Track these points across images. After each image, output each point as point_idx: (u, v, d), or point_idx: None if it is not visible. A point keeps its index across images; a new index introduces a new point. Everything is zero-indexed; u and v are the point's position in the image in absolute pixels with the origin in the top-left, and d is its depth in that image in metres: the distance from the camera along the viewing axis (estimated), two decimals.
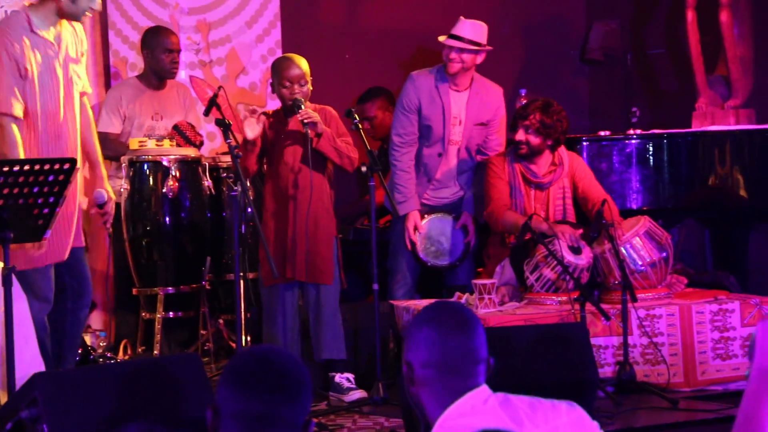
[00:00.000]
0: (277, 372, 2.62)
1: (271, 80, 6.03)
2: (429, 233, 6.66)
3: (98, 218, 5.51)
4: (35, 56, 5.21)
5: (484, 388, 2.88)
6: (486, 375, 2.90)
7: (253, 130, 5.80)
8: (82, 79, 5.49)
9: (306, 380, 2.64)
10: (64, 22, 5.34)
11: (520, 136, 6.40)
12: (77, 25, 5.45)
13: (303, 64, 5.94)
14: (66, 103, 5.33)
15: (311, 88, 5.93)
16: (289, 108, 5.90)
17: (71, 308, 5.46)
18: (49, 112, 5.25)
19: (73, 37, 5.44)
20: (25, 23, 5.23)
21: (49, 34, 5.29)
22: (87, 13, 5.30)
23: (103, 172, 5.59)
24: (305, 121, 5.78)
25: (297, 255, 5.89)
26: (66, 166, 4.63)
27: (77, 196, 5.46)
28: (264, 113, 6.03)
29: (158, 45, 7.07)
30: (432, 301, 6.02)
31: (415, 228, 6.58)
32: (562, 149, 6.51)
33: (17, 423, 3.89)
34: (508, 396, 2.90)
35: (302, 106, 5.82)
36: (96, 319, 7.08)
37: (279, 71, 5.94)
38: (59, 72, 5.30)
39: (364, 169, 5.80)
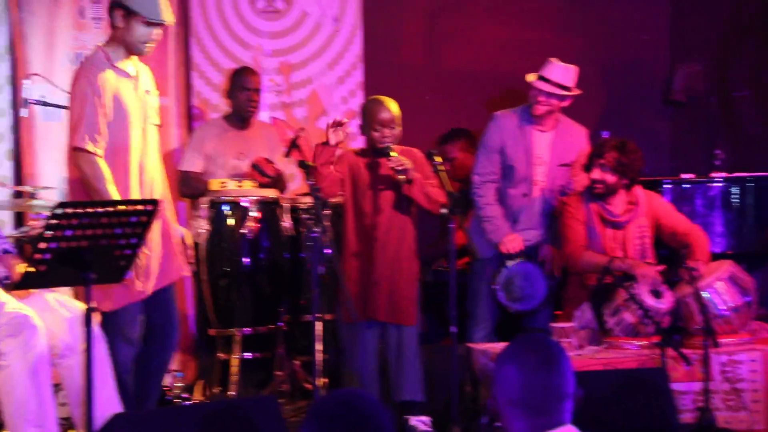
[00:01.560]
0: (359, 416, 2.63)
1: (360, 123, 6.02)
2: (511, 277, 6.60)
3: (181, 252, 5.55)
4: (120, 87, 5.26)
5: (569, 428, 2.85)
6: (574, 409, 2.88)
7: (337, 136, 5.80)
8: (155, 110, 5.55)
9: (388, 424, 2.65)
10: (134, 58, 5.39)
11: (596, 174, 6.34)
12: (144, 66, 5.50)
13: (394, 107, 5.94)
14: (146, 134, 5.38)
15: (401, 131, 5.91)
16: (380, 151, 5.89)
17: (157, 350, 5.48)
18: (132, 144, 5.29)
19: (145, 74, 5.49)
20: (104, 59, 5.29)
21: (126, 65, 5.34)
22: (149, 44, 5.32)
23: (172, 211, 5.61)
24: (398, 168, 5.77)
25: (380, 295, 5.88)
26: (149, 207, 4.64)
27: (173, 227, 5.50)
28: (352, 151, 6.04)
29: (237, 84, 7.12)
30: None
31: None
32: (638, 188, 6.44)
33: None
34: None
35: (392, 153, 5.82)
36: (173, 360, 7.08)
37: (370, 114, 5.94)
38: (139, 103, 5.36)
39: (444, 210, 5.76)
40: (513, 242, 6.52)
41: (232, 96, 7.16)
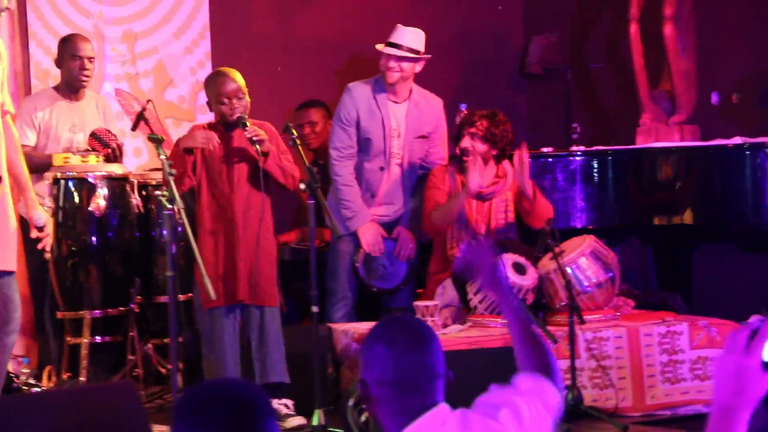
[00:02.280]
0: (234, 401, 2.41)
1: (207, 99, 5.79)
2: (370, 255, 6.48)
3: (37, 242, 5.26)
4: None
5: (442, 407, 2.75)
6: (445, 390, 2.78)
7: (204, 139, 5.59)
8: (4, 99, 5.22)
9: (266, 406, 2.44)
10: None
11: (466, 143, 6.30)
12: None
13: (237, 77, 5.75)
14: None
15: (249, 101, 5.72)
16: (231, 124, 5.69)
17: None
18: None
19: None
20: None
21: None
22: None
23: (33, 195, 5.37)
24: (254, 138, 5.58)
25: (240, 276, 5.68)
26: None
27: (10, 216, 5.20)
28: (204, 126, 5.82)
29: (67, 52, 6.75)
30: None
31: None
32: (506, 163, 6.39)
33: None
34: (467, 414, 2.76)
35: (248, 123, 5.62)
36: (17, 345, 6.76)
37: (214, 87, 5.74)
38: None
39: (303, 186, 5.57)
40: (373, 244, 6.46)
41: (62, 65, 6.79)
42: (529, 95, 8.72)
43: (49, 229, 5.32)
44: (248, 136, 5.61)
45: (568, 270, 5.88)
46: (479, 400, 2.83)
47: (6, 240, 5.18)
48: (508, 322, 3.08)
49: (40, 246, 5.30)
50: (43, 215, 5.30)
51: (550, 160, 6.90)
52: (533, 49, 8.30)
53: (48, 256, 5.44)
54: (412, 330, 2.82)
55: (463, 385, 4.57)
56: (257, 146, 5.59)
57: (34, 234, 5.28)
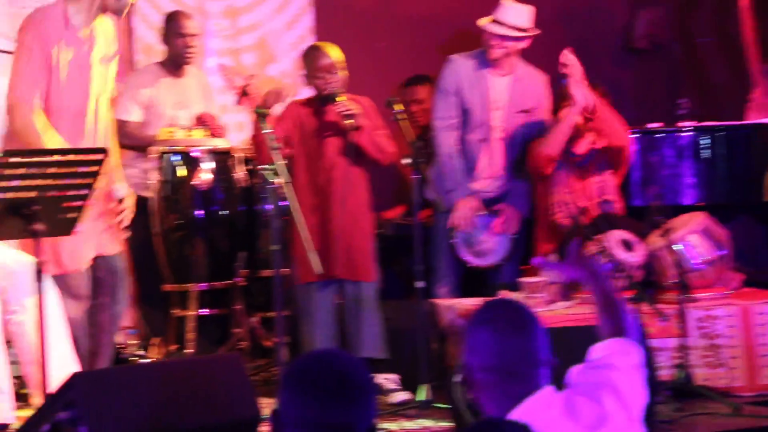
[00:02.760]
0: (339, 376, 2.49)
1: (303, 73, 5.78)
2: (470, 230, 6.41)
3: (114, 214, 5.25)
4: (67, 53, 4.96)
5: (547, 390, 2.75)
6: (550, 377, 2.78)
7: (275, 101, 5.70)
8: (110, 83, 5.25)
9: (369, 385, 2.53)
10: (99, 20, 5.08)
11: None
12: (109, 26, 5.20)
13: (332, 51, 5.73)
14: (95, 104, 5.11)
15: (346, 75, 5.68)
16: (326, 98, 5.66)
17: (108, 303, 5.23)
18: (75, 112, 5.03)
19: (105, 38, 5.19)
20: (61, 17, 4.99)
21: (85, 31, 5.05)
22: (128, 5, 5.06)
23: (119, 171, 5.37)
24: (345, 113, 5.54)
25: (336, 251, 5.67)
26: (99, 156, 4.44)
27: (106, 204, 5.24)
28: (297, 102, 5.81)
29: (171, 30, 6.78)
30: (482, 299, 5.86)
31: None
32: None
33: (54, 425, 3.74)
34: (572, 396, 2.76)
35: (338, 98, 5.60)
36: (125, 316, 6.83)
37: (310, 62, 5.75)
38: (91, 72, 5.07)
39: (407, 161, 5.52)
40: (461, 218, 6.35)
41: (167, 42, 6.82)
42: (635, 71, 8.55)
43: (129, 203, 5.27)
44: (338, 110, 5.58)
45: (678, 247, 5.77)
46: (574, 378, 2.82)
47: (107, 227, 5.19)
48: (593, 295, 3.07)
49: (116, 220, 5.25)
50: (124, 188, 5.28)
51: (659, 135, 6.79)
52: (639, 24, 8.17)
53: (126, 234, 5.40)
54: (516, 315, 2.81)
55: (571, 362, 4.55)
56: (348, 121, 5.55)
57: (112, 205, 5.24)
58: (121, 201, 5.25)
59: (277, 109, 5.94)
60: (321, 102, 5.75)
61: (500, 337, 2.74)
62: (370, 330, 5.72)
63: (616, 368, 2.80)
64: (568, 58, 6.22)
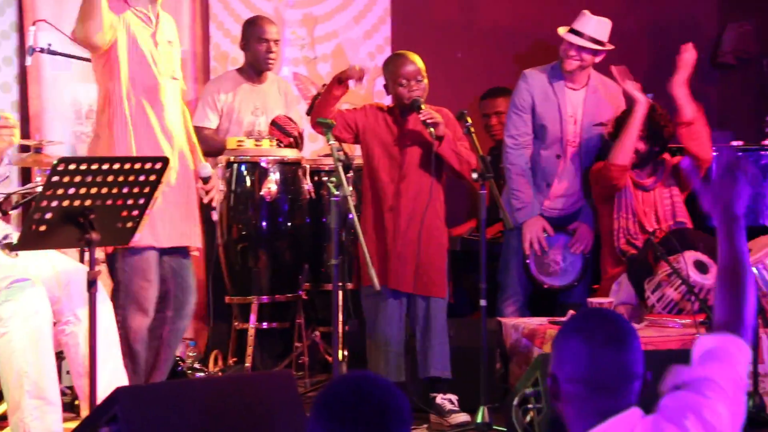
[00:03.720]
0: (373, 404, 2.40)
1: (384, 82, 5.68)
2: (544, 250, 6.27)
3: (201, 194, 5.27)
4: (138, 33, 5.02)
5: (634, 411, 2.60)
6: (641, 393, 2.65)
7: (355, 75, 5.50)
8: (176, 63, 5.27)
9: (405, 412, 2.42)
10: (158, 4, 5.13)
11: None
12: (169, 17, 5.24)
13: (418, 60, 5.63)
14: (166, 88, 5.13)
15: (427, 84, 5.58)
16: (407, 107, 5.55)
17: (172, 318, 5.22)
18: (152, 88, 5.07)
19: (168, 23, 5.23)
20: (123, 1, 5.04)
21: (147, 11, 5.10)
22: None
23: (200, 154, 5.38)
24: (428, 121, 5.42)
25: (407, 265, 5.54)
26: (158, 165, 4.36)
27: (194, 194, 5.24)
28: (377, 105, 5.71)
29: (253, 35, 6.75)
30: (550, 319, 5.74)
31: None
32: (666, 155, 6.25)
33: None
34: (659, 422, 2.60)
35: (422, 106, 5.47)
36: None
37: (393, 69, 5.62)
38: (159, 53, 5.10)
39: (475, 175, 5.38)
40: (533, 241, 6.23)
41: (248, 47, 6.79)
42: (720, 86, 8.38)
43: (215, 182, 5.29)
44: (422, 118, 5.46)
45: (755, 270, 5.58)
46: (665, 401, 2.65)
47: (191, 215, 5.20)
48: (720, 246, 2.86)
49: (206, 200, 5.26)
50: (208, 167, 5.29)
51: (741, 154, 6.57)
52: (727, 38, 7.99)
53: (215, 215, 5.40)
54: (613, 325, 2.67)
55: (641, 388, 4.39)
56: (431, 129, 5.44)
57: (199, 185, 5.25)
58: (206, 181, 5.24)
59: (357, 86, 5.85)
60: (403, 110, 5.63)
61: (594, 348, 2.62)
62: (439, 349, 5.59)
63: (713, 387, 2.65)
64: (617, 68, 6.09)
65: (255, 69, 6.79)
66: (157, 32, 5.12)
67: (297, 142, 6.52)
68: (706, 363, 2.70)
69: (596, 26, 6.25)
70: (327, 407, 2.41)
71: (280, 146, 6.38)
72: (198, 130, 6.43)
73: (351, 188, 5.17)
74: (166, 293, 5.16)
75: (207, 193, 5.27)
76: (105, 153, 4.97)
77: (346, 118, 5.59)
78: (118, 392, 3.82)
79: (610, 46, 6.28)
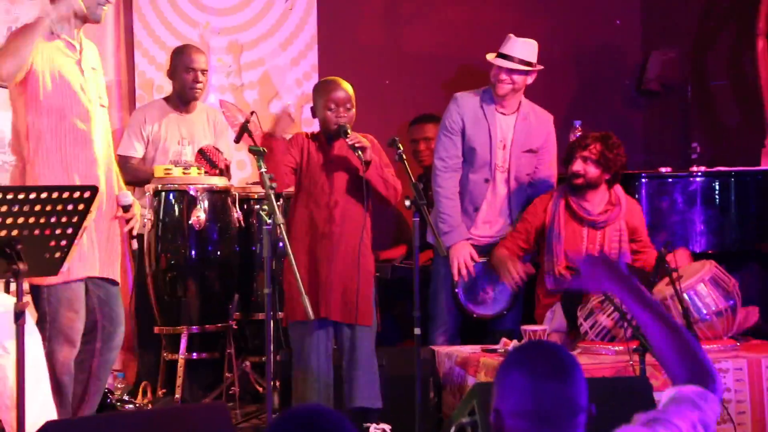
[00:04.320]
0: None
1: (312, 104, 5.63)
2: (473, 279, 6.25)
3: (122, 223, 5.15)
4: (62, 62, 4.93)
5: None
6: (586, 426, 2.60)
7: (288, 126, 5.43)
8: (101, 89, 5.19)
9: None
10: (79, 33, 5.02)
11: (578, 166, 6.06)
12: (91, 44, 5.13)
13: (348, 87, 5.58)
14: (93, 115, 5.04)
15: (355, 114, 5.54)
16: (333, 133, 5.50)
17: (100, 349, 5.12)
18: (77, 115, 4.97)
19: (90, 50, 5.15)
20: (47, 27, 4.95)
21: (71, 38, 5.02)
22: (105, 6, 4.97)
23: (122, 182, 5.30)
24: (356, 145, 5.37)
25: (332, 292, 5.46)
26: (87, 194, 4.26)
27: (116, 228, 5.14)
28: (304, 134, 5.65)
29: (180, 63, 6.67)
30: (482, 347, 5.72)
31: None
32: (619, 189, 6.15)
33: None
34: None
35: (349, 131, 5.42)
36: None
37: (324, 93, 5.56)
38: (84, 80, 5.01)
39: (408, 203, 5.34)
40: (461, 266, 6.19)
41: (174, 76, 6.71)
42: (646, 113, 8.46)
43: (136, 210, 5.20)
44: (350, 143, 5.40)
45: (686, 297, 5.59)
46: None
47: (112, 248, 5.11)
48: (644, 323, 2.83)
49: (126, 228, 5.18)
50: (129, 195, 5.20)
51: (669, 180, 6.63)
52: (652, 65, 8.05)
53: (134, 244, 5.31)
54: (555, 357, 2.64)
55: None
56: (359, 153, 5.39)
57: (119, 213, 5.16)
58: (127, 209, 5.15)
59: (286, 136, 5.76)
60: (329, 136, 5.57)
61: (537, 381, 2.58)
62: (366, 378, 5.51)
63: (669, 426, 2.62)
64: None
65: (182, 98, 6.71)
66: (82, 60, 5.05)
67: (222, 174, 6.44)
68: (668, 406, 2.68)
69: (524, 48, 6.27)
70: None
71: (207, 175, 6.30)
72: (124, 159, 6.37)
73: (282, 217, 5.10)
74: (94, 324, 5.07)
75: (127, 222, 5.18)
76: (30, 182, 4.86)
77: (292, 154, 5.53)
78: (48, 426, 3.73)
79: (539, 67, 6.29)
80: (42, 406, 4.55)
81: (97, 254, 5.01)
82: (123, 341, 6.51)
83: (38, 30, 4.88)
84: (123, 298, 6.59)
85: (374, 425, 5.47)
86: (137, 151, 6.63)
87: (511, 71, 6.23)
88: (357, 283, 5.50)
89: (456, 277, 6.21)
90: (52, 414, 4.59)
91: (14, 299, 4.25)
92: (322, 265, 5.50)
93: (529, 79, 6.30)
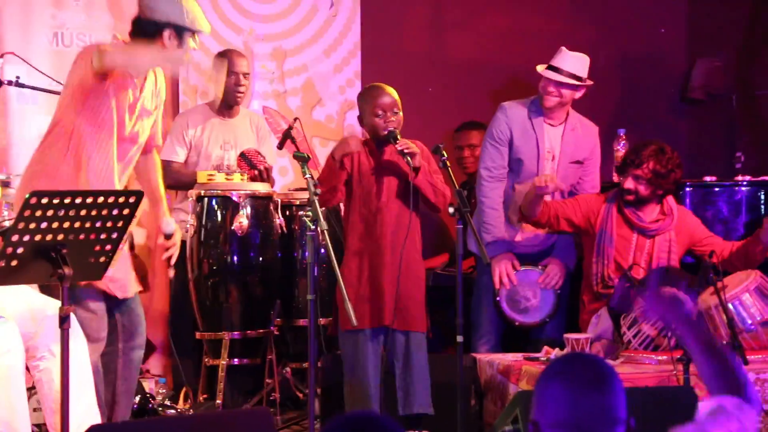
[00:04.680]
0: None
1: (359, 113, 5.61)
2: (515, 287, 6.23)
3: (163, 250, 5.17)
4: (120, 94, 4.89)
5: None
6: None
7: (357, 144, 5.41)
8: (147, 133, 5.16)
9: None
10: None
11: (629, 184, 6.02)
12: (160, 73, 5.11)
13: (393, 92, 5.57)
14: (121, 150, 5.00)
15: (402, 117, 5.53)
16: (382, 139, 5.49)
17: (123, 349, 5.10)
18: (100, 160, 4.93)
19: (153, 88, 5.10)
20: None
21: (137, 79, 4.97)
22: (187, 56, 5.00)
23: (165, 208, 5.29)
24: (405, 151, 5.36)
25: (386, 299, 5.44)
26: (132, 199, 4.26)
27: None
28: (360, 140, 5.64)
29: (223, 67, 6.68)
30: (525, 355, 5.69)
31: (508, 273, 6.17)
32: (671, 199, 6.13)
33: None
34: None
35: (399, 137, 5.40)
36: (155, 364, 6.72)
37: (370, 99, 5.53)
38: (127, 125, 4.97)
39: (452, 210, 5.32)
40: (501, 277, 6.22)
41: (217, 81, 6.71)
42: (690, 121, 8.41)
43: (177, 239, 5.20)
44: (399, 148, 5.38)
45: (731, 306, 5.55)
46: None
47: (124, 269, 5.07)
48: (692, 353, 2.86)
49: (164, 256, 5.18)
50: (172, 224, 5.20)
51: (715, 189, 6.58)
52: (697, 74, 8.00)
53: (171, 272, 5.31)
54: (594, 368, 2.63)
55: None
56: (408, 159, 5.37)
57: (160, 240, 5.18)
58: (169, 237, 5.16)
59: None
60: (378, 142, 5.55)
61: (576, 392, 2.58)
62: (421, 385, 5.48)
63: None
64: None
65: (225, 102, 6.72)
66: (136, 104, 5.00)
67: (262, 176, 6.44)
68: (705, 418, 2.66)
69: (574, 62, 6.23)
70: None
71: (250, 180, 6.31)
72: (166, 163, 6.38)
73: (325, 223, 5.08)
74: (114, 326, 5.05)
75: (167, 249, 5.18)
76: (44, 185, 4.81)
77: (344, 166, 5.53)
78: (92, 430, 3.74)
79: (589, 82, 6.26)
80: (86, 411, 4.57)
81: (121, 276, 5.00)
82: (165, 347, 6.58)
83: (163, 57, 4.89)
84: (162, 303, 6.68)
85: None
86: (179, 155, 6.65)
87: (559, 84, 6.20)
88: (408, 289, 5.49)
89: (498, 287, 6.20)
90: (96, 419, 4.61)
91: (59, 303, 4.27)
92: (373, 271, 5.49)
93: (578, 94, 6.27)
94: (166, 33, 4.89)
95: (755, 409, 2.71)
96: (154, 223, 5.25)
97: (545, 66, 6.25)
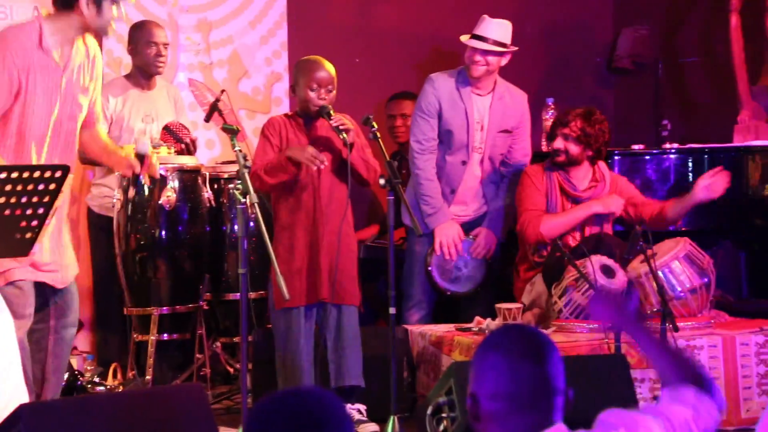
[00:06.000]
0: (317, 420, 2.29)
1: (292, 83, 5.55)
2: (444, 257, 6.23)
3: (151, 168, 5.00)
4: (35, 77, 4.73)
5: (559, 428, 2.53)
6: (564, 409, 2.57)
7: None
8: (86, 110, 5.01)
9: (343, 421, 2.32)
10: (79, 43, 4.85)
11: (559, 143, 6.06)
12: (94, 46, 4.98)
13: (332, 69, 5.51)
14: (56, 132, 4.85)
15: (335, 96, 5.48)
16: (313, 114, 5.43)
17: (54, 326, 4.98)
18: (37, 138, 4.79)
19: (85, 62, 4.95)
20: (36, 37, 4.74)
21: (58, 53, 4.81)
22: (112, 24, 4.83)
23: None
24: (340, 127, 5.30)
25: (322, 273, 5.41)
26: (58, 173, 4.16)
27: (63, 230, 5.00)
28: (281, 116, 5.57)
29: (141, 38, 6.57)
30: (456, 326, 5.70)
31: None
32: (602, 165, 6.16)
33: None
34: None
35: (332, 113, 5.35)
36: (82, 341, 6.62)
37: (307, 72, 5.47)
38: (57, 100, 4.82)
39: (382, 181, 5.28)
40: (448, 246, 6.20)
41: (136, 52, 6.61)
42: (617, 90, 8.47)
43: (155, 160, 5.03)
44: (334, 124, 5.33)
45: (661, 274, 5.58)
46: (600, 418, 2.62)
47: (61, 256, 4.95)
48: (647, 351, 2.91)
49: (145, 180, 5.13)
50: (147, 144, 5.09)
51: (642, 158, 6.61)
52: (623, 43, 8.05)
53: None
54: (532, 339, 2.61)
55: None
56: (344, 135, 5.32)
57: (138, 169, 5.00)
58: (141, 159, 4.97)
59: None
60: (308, 116, 5.50)
61: (514, 363, 2.55)
62: (353, 356, 5.47)
63: (658, 414, 2.61)
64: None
65: (144, 73, 6.61)
66: (63, 79, 4.84)
67: (189, 149, 6.36)
68: (662, 402, 2.67)
69: (498, 29, 6.23)
70: (259, 425, 2.29)
71: (177, 154, 6.22)
72: None
73: (255, 195, 5.01)
74: (46, 301, 4.92)
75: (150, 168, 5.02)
76: None
77: (273, 144, 5.46)
78: (22, 409, 3.66)
79: (513, 48, 6.26)
80: (14, 389, 4.47)
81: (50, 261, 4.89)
82: (92, 323, 6.48)
83: None
84: (84, 278, 6.57)
85: (349, 405, 5.43)
86: None
87: (485, 53, 6.19)
88: (342, 263, 5.45)
89: (447, 257, 6.18)
90: (24, 397, 4.50)
91: None
92: (307, 246, 5.44)
93: (504, 61, 6.27)
94: (83, 0, 4.77)
95: (716, 404, 2.71)
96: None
97: (469, 36, 6.23)
